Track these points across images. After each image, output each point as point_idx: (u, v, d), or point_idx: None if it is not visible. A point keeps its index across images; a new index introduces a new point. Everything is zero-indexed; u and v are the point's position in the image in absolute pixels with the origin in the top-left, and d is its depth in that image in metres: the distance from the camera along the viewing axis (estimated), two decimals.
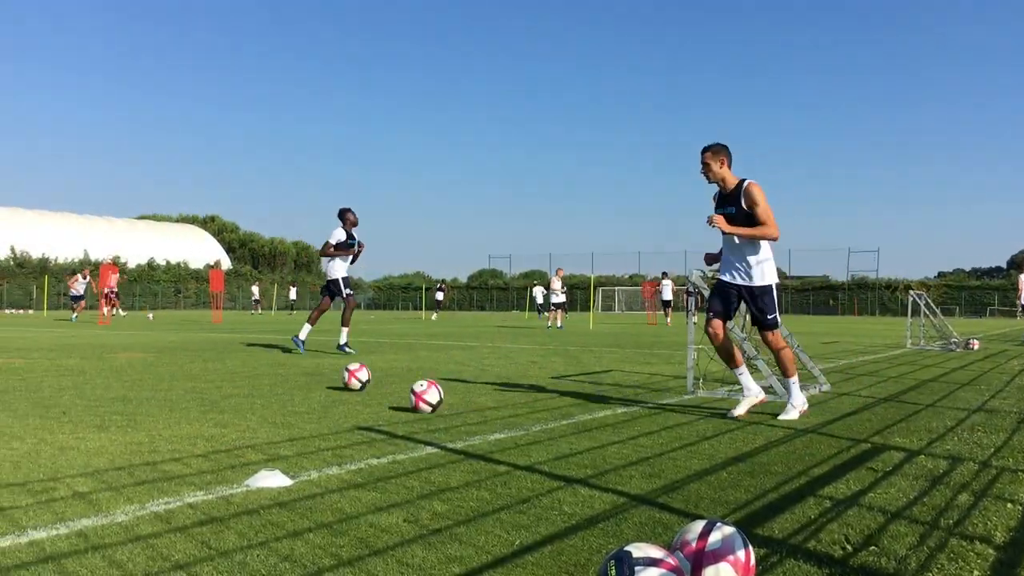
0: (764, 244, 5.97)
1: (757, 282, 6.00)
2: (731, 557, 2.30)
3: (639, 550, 2.14)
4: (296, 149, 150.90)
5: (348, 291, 12.30)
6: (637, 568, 2.08)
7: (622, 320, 40.22)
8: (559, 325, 26.26)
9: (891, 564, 2.64)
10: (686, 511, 3.25)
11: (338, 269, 12.28)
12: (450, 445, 4.60)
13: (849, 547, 2.80)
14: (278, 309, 57.86)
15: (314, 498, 3.37)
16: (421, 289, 67.70)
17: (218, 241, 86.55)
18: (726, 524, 2.39)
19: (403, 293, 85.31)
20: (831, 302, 64.64)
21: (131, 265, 64.01)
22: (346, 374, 7.14)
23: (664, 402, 6.68)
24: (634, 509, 3.27)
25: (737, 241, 5.94)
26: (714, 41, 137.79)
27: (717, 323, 6.02)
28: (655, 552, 2.15)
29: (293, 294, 57.48)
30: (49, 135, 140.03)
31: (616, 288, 71.67)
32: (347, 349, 12.05)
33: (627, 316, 52.27)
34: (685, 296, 7.44)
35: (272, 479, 3.57)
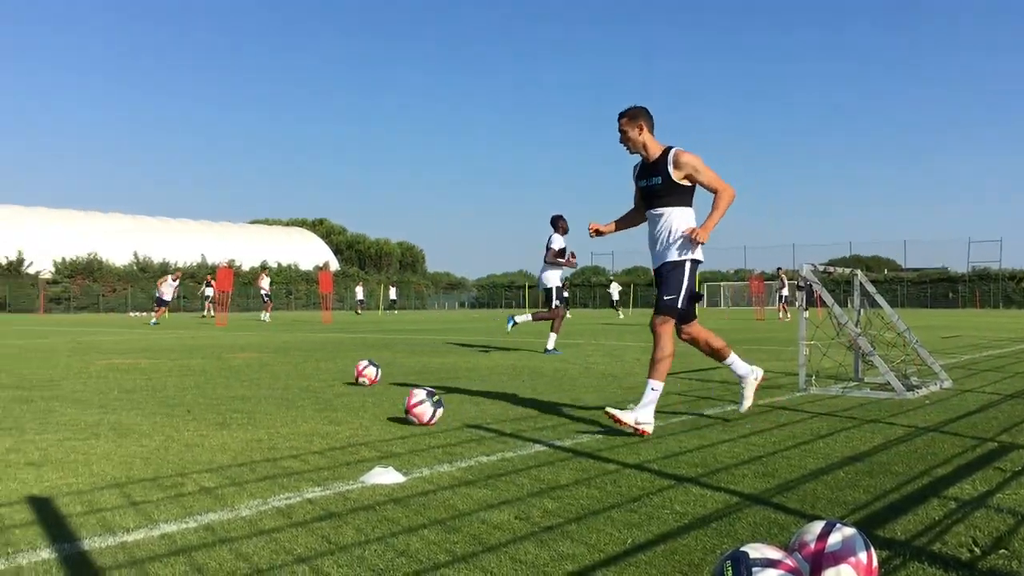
0: (686, 216, 5.19)
1: (669, 259, 5.19)
2: (852, 559, 2.24)
3: (756, 550, 2.11)
4: (400, 151, 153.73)
5: (558, 302, 12.34)
6: (755, 569, 2.05)
7: (729, 316, 39.53)
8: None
9: (1023, 568, 2.52)
10: (802, 512, 3.17)
11: (553, 278, 12.30)
12: (558, 443, 4.62)
13: (977, 550, 2.69)
14: (384, 309, 59.04)
15: (427, 495, 3.43)
16: (524, 287, 67.98)
17: (326, 243, 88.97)
18: (846, 525, 2.33)
19: (506, 292, 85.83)
20: (950, 295, 61.96)
21: (245, 268, 66.35)
22: (356, 371, 7.64)
23: (775, 400, 6.53)
24: (748, 509, 3.21)
25: (662, 223, 5.20)
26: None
27: (680, 325, 5.31)
28: (773, 553, 2.11)
29: (393, 294, 58.80)
30: (172, 146, 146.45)
31: (721, 284, 70.44)
32: (556, 352, 12.06)
33: (733, 312, 51.33)
34: (796, 291, 7.26)
35: (386, 476, 3.65)
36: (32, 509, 3.20)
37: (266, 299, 32.56)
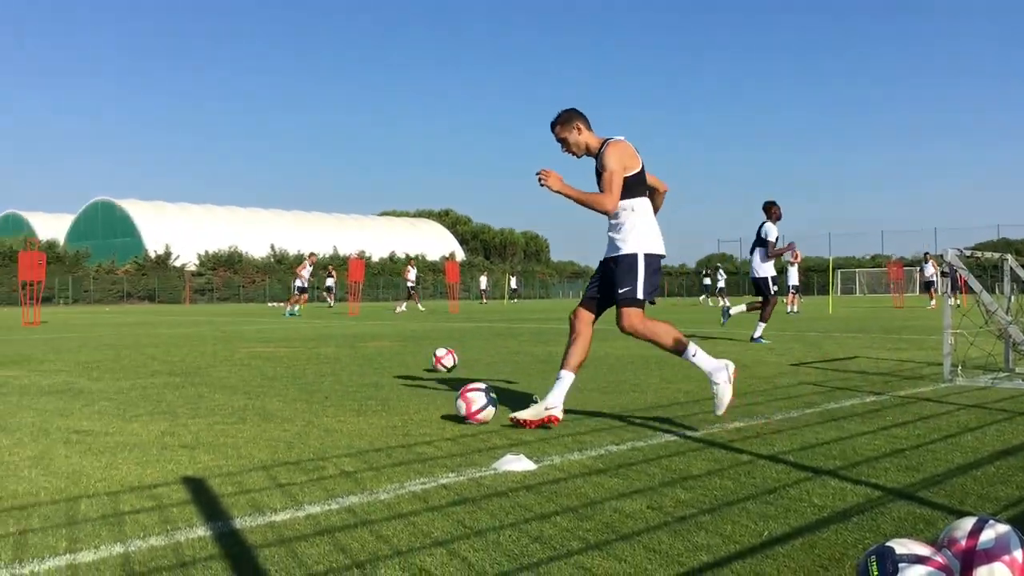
0: (628, 209, 4.93)
1: (622, 251, 4.95)
2: (1006, 557, 2.13)
3: (902, 546, 2.03)
4: (526, 141, 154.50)
5: (775, 288, 12.00)
6: (901, 565, 1.97)
7: (864, 303, 38.05)
8: (795, 309, 25.28)
9: None
10: (950, 507, 3.04)
11: (768, 267, 11.97)
12: (688, 433, 4.57)
13: None
14: (508, 299, 59.58)
15: (558, 483, 3.46)
16: None
17: (452, 233, 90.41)
18: (999, 522, 2.21)
19: None
20: None
21: (375, 259, 68.23)
22: (434, 359, 8.05)
23: (918, 391, 6.26)
24: (891, 503, 3.10)
25: (614, 217, 4.98)
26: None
27: (579, 310, 5.13)
28: (921, 549, 2.03)
29: (514, 283, 59.35)
30: (306, 142, 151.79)
31: (856, 270, 67.89)
32: (763, 341, 11.74)
33: (870, 299, 49.37)
34: (940, 276, 6.93)
35: (518, 463, 3.70)
36: (187, 489, 3.39)
37: (412, 290, 32.97)
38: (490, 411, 4.94)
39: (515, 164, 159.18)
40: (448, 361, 7.99)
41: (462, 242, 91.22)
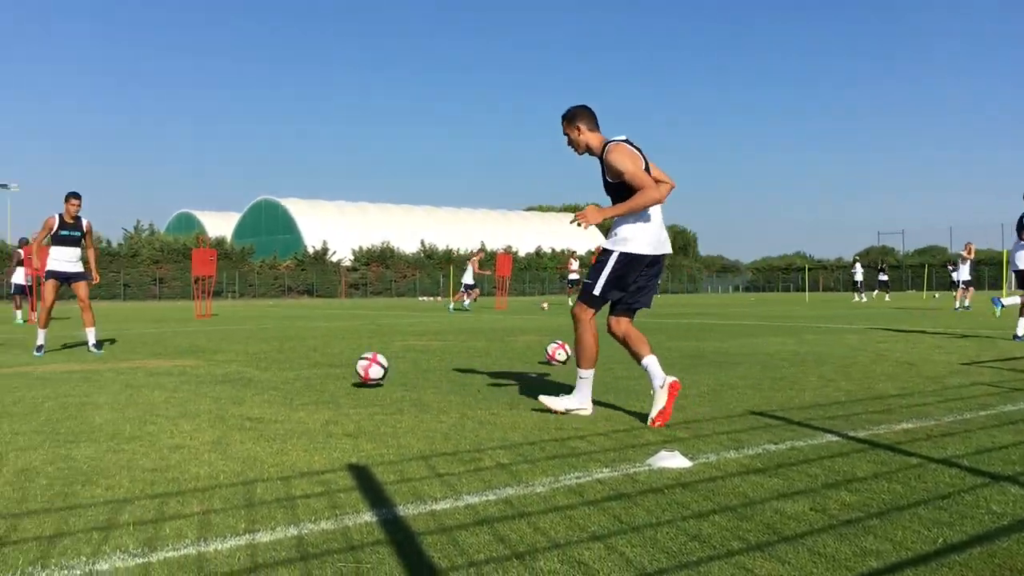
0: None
1: (605, 246, 5.10)
2: None
3: None
4: (672, 135, 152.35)
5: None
6: None
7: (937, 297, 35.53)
8: (966, 305, 23.89)
9: None
10: None
11: None
12: (852, 433, 4.39)
13: None
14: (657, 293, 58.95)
15: (715, 481, 3.40)
16: (804, 270, 65.07)
17: (598, 227, 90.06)
18: None
19: (783, 275, 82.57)
20: None
21: (521, 254, 68.88)
22: (547, 354, 8.12)
23: None
24: None
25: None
26: None
27: (611, 318, 5.28)
28: None
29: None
30: (453, 140, 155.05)
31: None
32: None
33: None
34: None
35: (673, 460, 3.66)
36: (352, 476, 3.54)
37: (571, 284, 32.79)
38: (379, 371, 6.38)
39: (661, 156, 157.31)
40: (561, 355, 8.04)
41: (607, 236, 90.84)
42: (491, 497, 3.16)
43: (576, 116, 5.15)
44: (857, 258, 45.07)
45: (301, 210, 71.92)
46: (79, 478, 3.50)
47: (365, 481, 3.44)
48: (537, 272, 68.28)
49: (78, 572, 2.38)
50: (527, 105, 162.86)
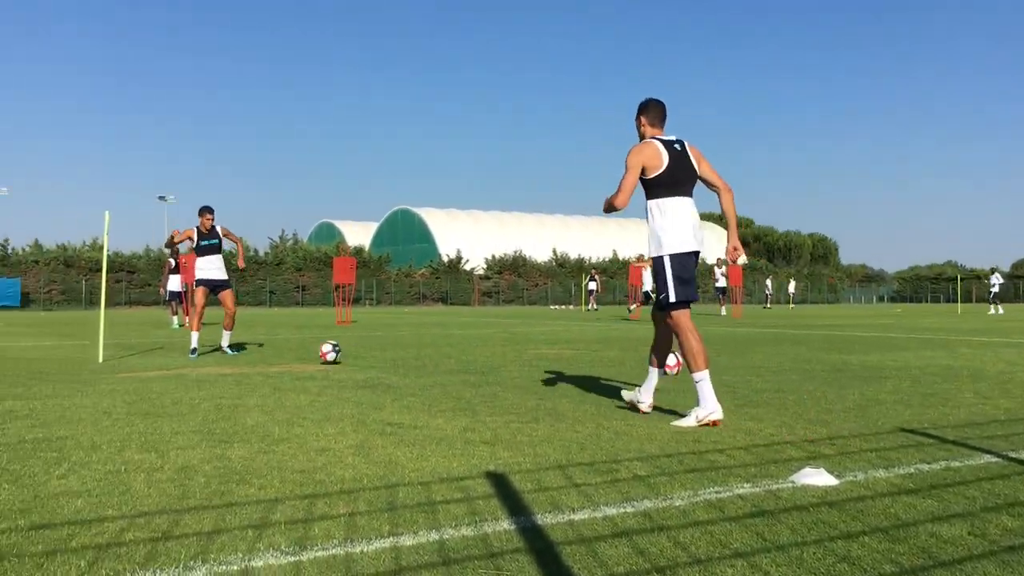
0: (654, 211, 5.32)
1: (652, 255, 5.38)
2: None
3: None
4: (807, 141, 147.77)
5: None
6: None
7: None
8: None
9: None
10: None
11: None
12: (1013, 454, 4.13)
13: None
14: (794, 304, 57.16)
15: (863, 500, 3.27)
16: (956, 280, 61.87)
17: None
18: None
19: (932, 284, 78.65)
20: None
21: None
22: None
23: None
24: None
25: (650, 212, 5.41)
26: None
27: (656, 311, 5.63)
28: None
29: (792, 287, 56.54)
30: (588, 149, 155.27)
31: None
32: None
33: None
34: None
35: (818, 477, 3.54)
36: (490, 483, 3.58)
37: (721, 295, 31.66)
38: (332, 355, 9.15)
39: (801, 164, 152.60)
40: (673, 363, 7.75)
41: (743, 245, 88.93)
42: (629, 509, 3.14)
43: (640, 111, 5.51)
44: (995, 268, 42.60)
45: (436, 219, 73.50)
46: (234, 477, 3.68)
47: (503, 488, 3.48)
48: None
49: (235, 568, 2.50)
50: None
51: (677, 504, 3.21)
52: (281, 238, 61.95)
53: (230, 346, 11.30)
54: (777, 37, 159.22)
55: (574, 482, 3.59)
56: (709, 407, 5.05)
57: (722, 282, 31.01)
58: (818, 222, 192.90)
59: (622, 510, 3.13)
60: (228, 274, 11.56)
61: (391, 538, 2.78)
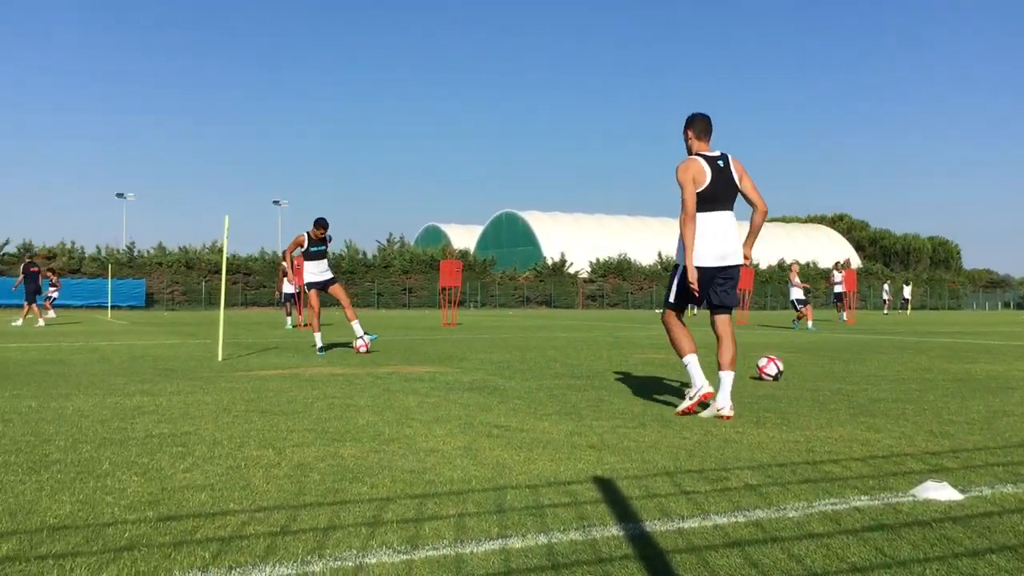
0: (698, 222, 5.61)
1: (675, 260, 5.83)
2: None
3: None
4: (927, 145, 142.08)
5: None
6: None
7: None
8: None
9: None
10: None
11: None
12: None
13: None
14: (909, 309, 54.97)
15: (990, 517, 3.12)
16: None
17: (847, 239, 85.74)
18: None
19: None
20: None
21: (763, 266, 66.64)
22: (757, 368, 8.16)
23: None
24: None
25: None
26: None
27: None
28: None
29: (907, 292, 53.60)
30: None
31: None
32: None
33: None
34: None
35: (941, 491, 3.40)
36: (597, 488, 3.57)
37: (839, 299, 29.94)
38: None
39: (918, 164, 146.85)
40: (772, 369, 8.01)
41: (858, 248, 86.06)
42: (740, 519, 3.08)
43: (688, 125, 5.76)
44: None
45: (540, 222, 73.71)
46: (347, 475, 3.78)
47: (610, 494, 3.46)
48: (779, 285, 65.75)
49: (349, 564, 2.56)
50: (770, 110, 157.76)
51: (791, 515, 3.13)
52: (389, 241, 63.20)
53: (364, 333, 11.95)
54: (908, 33, 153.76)
55: (683, 489, 3.54)
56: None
57: (840, 287, 29.84)
58: (938, 224, 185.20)
59: (733, 519, 3.07)
60: (333, 272, 12.44)
61: (500, 540, 2.80)
